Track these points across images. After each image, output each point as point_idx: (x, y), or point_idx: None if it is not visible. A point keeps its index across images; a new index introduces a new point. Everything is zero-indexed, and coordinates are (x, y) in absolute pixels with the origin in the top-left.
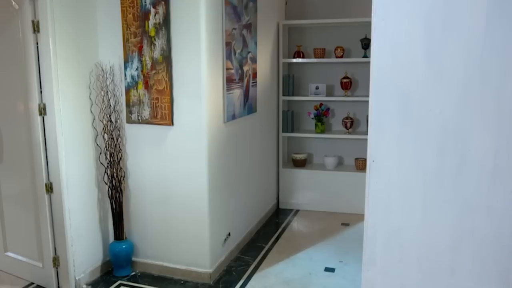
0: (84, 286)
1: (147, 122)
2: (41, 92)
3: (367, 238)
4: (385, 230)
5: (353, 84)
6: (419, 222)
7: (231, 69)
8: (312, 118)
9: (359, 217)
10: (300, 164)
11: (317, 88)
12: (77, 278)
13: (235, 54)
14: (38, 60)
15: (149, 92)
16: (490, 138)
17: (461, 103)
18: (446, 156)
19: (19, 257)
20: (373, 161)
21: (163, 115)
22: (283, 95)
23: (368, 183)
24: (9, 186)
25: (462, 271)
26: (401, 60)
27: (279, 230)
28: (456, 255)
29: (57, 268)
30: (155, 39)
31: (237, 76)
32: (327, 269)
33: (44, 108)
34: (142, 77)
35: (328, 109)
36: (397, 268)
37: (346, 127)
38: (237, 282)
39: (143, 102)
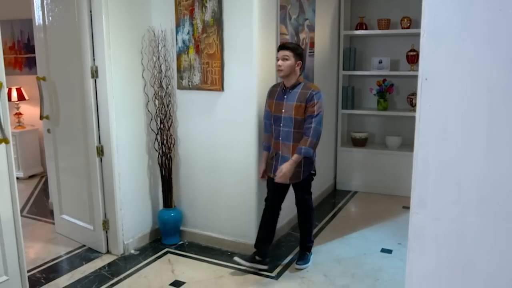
0: (133, 251)
1: (197, 87)
2: (93, 55)
3: (416, 175)
4: (438, 165)
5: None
6: (482, 154)
7: (285, 34)
8: (374, 95)
9: None
10: (360, 143)
11: (380, 62)
12: (125, 243)
13: (290, 19)
14: (91, 23)
15: (200, 57)
16: None
17: None
18: None
19: (73, 220)
20: (426, 79)
21: (213, 80)
22: (343, 69)
23: (419, 107)
24: (64, 150)
25: None
26: None
27: (335, 209)
28: None
29: (106, 231)
30: (206, 1)
31: None
32: (384, 250)
33: (96, 71)
34: (193, 41)
35: (392, 85)
36: (452, 212)
37: (411, 104)
38: (286, 257)
39: (193, 67)
